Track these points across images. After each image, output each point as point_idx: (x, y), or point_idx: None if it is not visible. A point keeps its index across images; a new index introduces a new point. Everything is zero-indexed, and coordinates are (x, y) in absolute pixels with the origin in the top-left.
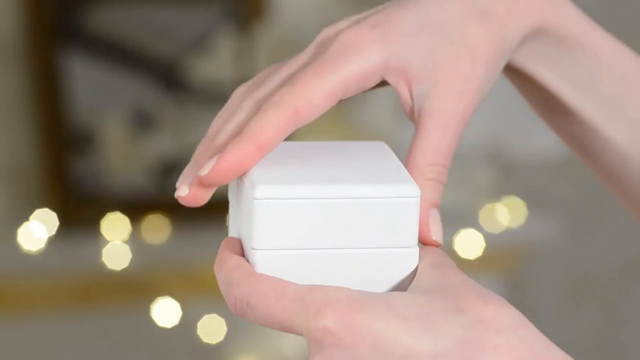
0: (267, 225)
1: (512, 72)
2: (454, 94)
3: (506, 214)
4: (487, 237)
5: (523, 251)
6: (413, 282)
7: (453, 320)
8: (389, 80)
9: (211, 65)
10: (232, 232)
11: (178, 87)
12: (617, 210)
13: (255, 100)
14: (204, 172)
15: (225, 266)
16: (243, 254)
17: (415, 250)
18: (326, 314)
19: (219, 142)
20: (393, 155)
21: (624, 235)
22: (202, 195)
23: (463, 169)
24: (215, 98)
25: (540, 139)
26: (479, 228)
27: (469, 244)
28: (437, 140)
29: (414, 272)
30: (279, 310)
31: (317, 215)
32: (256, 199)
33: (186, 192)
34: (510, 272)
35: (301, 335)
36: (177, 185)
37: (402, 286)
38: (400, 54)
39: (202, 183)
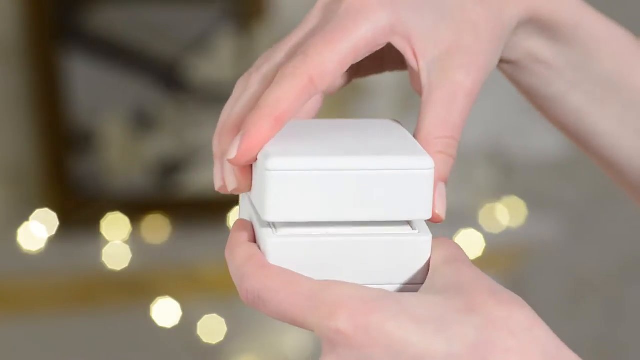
0: (280, 196)
1: (503, 61)
2: (460, 66)
3: (506, 214)
4: (487, 237)
5: (523, 251)
6: (427, 280)
7: (466, 321)
8: (395, 43)
9: (211, 65)
10: (243, 215)
11: (178, 87)
12: (617, 210)
13: (264, 74)
14: (231, 155)
15: (237, 255)
16: (254, 237)
17: (427, 238)
18: (339, 315)
19: (235, 116)
20: (405, 131)
21: (624, 235)
22: (242, 182)
23: (463, 169)
24: (215, 98)
25: (540, 139)
26: (479, 228)
27: (469, 244)
28: (446, 112)
29: (427, 265)
30: (291, 306)
31: (330, 187)
32: (268, 170)
33: (234, 185)
34: (510, 272)
35: (313, 331)
36: (216, 183)
37: (416, 279)
38: (404, 20)
39: (238, 169)
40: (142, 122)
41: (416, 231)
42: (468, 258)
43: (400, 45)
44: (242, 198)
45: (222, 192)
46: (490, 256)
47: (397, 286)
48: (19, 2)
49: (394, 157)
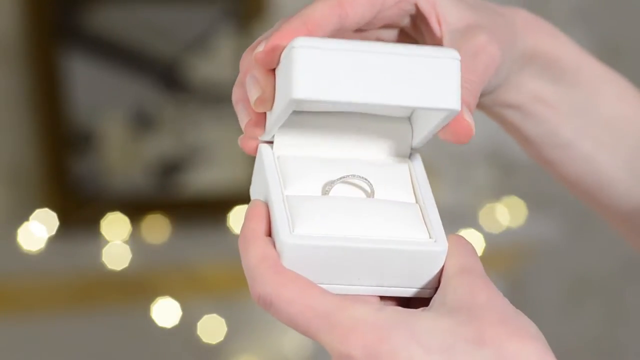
0: (307, 72)
1: (509, 105)
2: (482, 33)
3: (506, 214)
4: (487, 237)
5: (523, 251)
6: (439, 292)
7: (475, 354)
8: (421, 5)
9: (211, 65)
10: (256, 195)
11: (178, 87)
12: None
13: (289, 17)
14: (259, 49)
15: (250, 252)
16: (269, 225)
17: (444, 249)
18: (351, 340)
19: (259, 39)
20: None
21: None
22: (266, 87)
23: (463, 169)
24: (215, 98)
25: None
26: (479, 228)
27: None
28: (469, 63)
29: (441, 271)
30: (304, 321)
31: (357, 66)
32: (295, 47)
33: (258, 92)
34: (510, 272)
35: (323, 345)
36: (242, 122)
37: (429, 284)
38: None
39: (261, 73)
40: (142, 122)
41: (433, 240)
42: (481, 267)
43: (425, 8)
44: (255, 173)
45: (248, 129)
46: (490, 256)
47: (410, 289)
48: (19, 2)
49: (421, 47)
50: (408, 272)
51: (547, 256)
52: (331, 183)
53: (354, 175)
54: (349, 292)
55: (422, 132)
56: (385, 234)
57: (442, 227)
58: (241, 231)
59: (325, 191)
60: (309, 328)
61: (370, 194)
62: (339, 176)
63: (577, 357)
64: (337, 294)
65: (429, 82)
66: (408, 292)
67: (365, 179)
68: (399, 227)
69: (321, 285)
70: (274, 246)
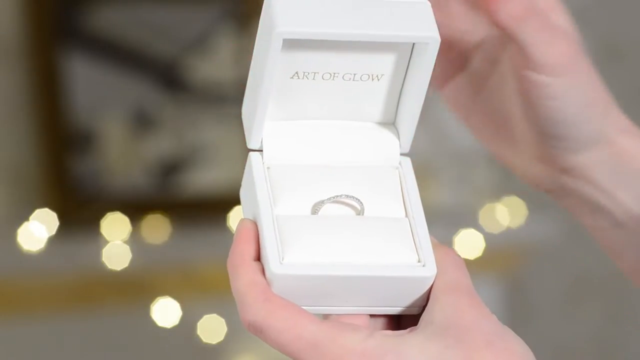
0: (287, 10)
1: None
2: None
3: (506, 214)
4: (487, 237)
5: (523, 251)
6: (427, 310)
7: None
8: None
9: (211, 65)
10: (247, 214)
11: (178, 87)
12: None
13: None
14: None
15: (239, 278)
16: (258, 247)
17: (432, 275)
18: None
19: None
20: None
21: None
22: None
23: (463, 169)
24: (215, 98)
25: None
26: (479, 228)
27: (469, 244)
28: None
29: (429, 291)
30: (294, 350)
31: (335, 8)
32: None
33: None
34: (510, 272)
35: None
36: None
37: (416, 302)
38: None
39: None
40: (142, 122)
41: (421, 264)
42: (469, 280)
43: None
44: (245, 181)
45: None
46: (490, 256)
47: (398, 308)
48: (19, 2)
49: None
50: (397, 295)
51: (547, 256)
52: (321, 203)
53: (343, 195)
54: (337, 312)
55: (407, 117)
56: (374, 259)
57: (430, 246)
58: (230, 254)
59: (315, 210)
60: (299, 356)
61: (360, 212)
62: (330, 190)
63: (577, 357)
64: (327, 322)
65: (406, 18)
66: (397, 310)
67: (355, 198)
68: (388, 249)
69: (311, 308)
70: (263, 271)
